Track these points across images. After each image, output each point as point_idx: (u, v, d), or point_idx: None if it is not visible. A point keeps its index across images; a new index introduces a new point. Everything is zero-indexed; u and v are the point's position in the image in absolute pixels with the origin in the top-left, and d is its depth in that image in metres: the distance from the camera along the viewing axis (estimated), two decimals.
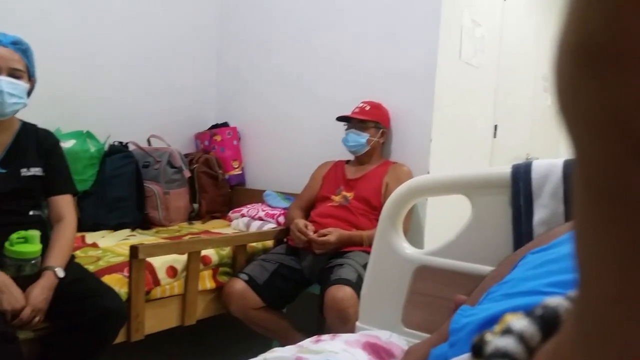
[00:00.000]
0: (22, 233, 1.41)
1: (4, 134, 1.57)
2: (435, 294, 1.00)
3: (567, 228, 0.74)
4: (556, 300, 0.26)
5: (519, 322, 0.26)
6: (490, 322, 0.53)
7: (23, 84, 1.53)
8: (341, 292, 1.74)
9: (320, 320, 1.90)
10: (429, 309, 0.99)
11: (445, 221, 2.24)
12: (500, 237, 0.97)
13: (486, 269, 0.96)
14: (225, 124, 3.06)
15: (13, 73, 1.50)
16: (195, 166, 2.79)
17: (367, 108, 2.30)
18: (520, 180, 0.98)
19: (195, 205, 2.76)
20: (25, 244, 1.41)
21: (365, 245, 1.97)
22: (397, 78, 2.42)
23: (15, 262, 1.39)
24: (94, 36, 2.60)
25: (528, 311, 0.26)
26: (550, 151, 3.84)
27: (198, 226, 2.58)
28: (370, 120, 2.26)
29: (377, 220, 1.99)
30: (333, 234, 1.99)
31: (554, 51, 0.17)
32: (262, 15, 2.95)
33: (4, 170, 1.54)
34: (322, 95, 2.67)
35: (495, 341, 0.26)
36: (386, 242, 1.10)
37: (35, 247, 1.42)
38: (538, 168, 0.98)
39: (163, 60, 2.92)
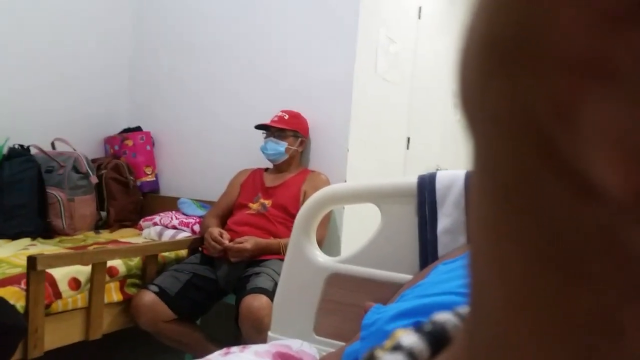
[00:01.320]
0: None
1: None
2: (347, 301, 1.02)
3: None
4: (445, 316, 0.27)
5: (409, 338, 0.26)
6: (401, 316, 0.54)
7: None
8: (257, 302, 1.72)
9: (236, 331, 1.86)
10: (340, 316, 1.01)
11: (362, 229, 2.30)
12: (407, 245, 1.00)
13: (395, 275, 0.99)
14: (138, 128, 2.93)
15: None
16: (103, 172, 2.65)
17: (286, 117, 2.31)
18: (426, 190, 1.02)
19: (103, 214, 2.62)
20: None
21: (282, 253, 1.97)
22: (317, 89, 2.45)
23: None
24: None
25: (417, 327, 0.27)
26: (459, 163, 4.06)
27: (106, 235, 2.45)
28: (288, 129, 2.27)
29: None
30: (249, 241, 1.97)
31: (460, 47, 0.16)
32: (180, 19, 2.88)
33: None
34: (241, 102, 2.65)
35: (385, 357, 0.26)
36: (299, 250, 1.11)
37: None
38: (442, 178, 1.02)
39: (70, 58, 2.75)
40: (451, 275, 0.55)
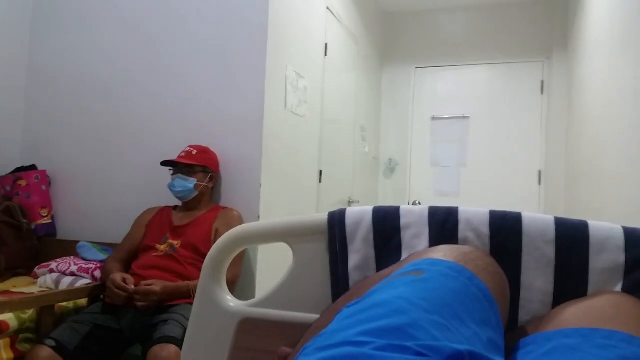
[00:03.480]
0: None
1: None
2: (260, 347, 0.98)
3: (378, 278, 0.78)
4: None
5: None
6: None
7: None
8: (165, 352, 1.61)
9: None
10: None
11: (277, 267, 2.27)
12: (320, 284, 0.99)
13: (309, 316, 0.98)
14: (32, 167, 2.72)
15: None
16: None
17: (194, 152, 2.25)
18: (336, 227, 1.02)
19: None
20: None
21: (193, 297, 1.88)
22: (227, 124, 2.43)
23: None
24: None
25: None
26: (369, 194, 4.18)
27: None
28: (197, 165, 2.22)
29: None
30: (157, 284, 1.86)
31: None
32: (79, 50, 2.75)
33: None
34: (146, 138, 2.56)
35: None
36: (208, 295, 1.06)
37: None
38: (351, 214, 1.03)
39: None
40: (351, 322, 0.54)
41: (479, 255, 0.70)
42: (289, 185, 2.67)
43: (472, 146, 4.37)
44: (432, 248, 0.79)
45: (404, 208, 0.91)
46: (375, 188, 4.50)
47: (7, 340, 1.71)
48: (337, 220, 1.02)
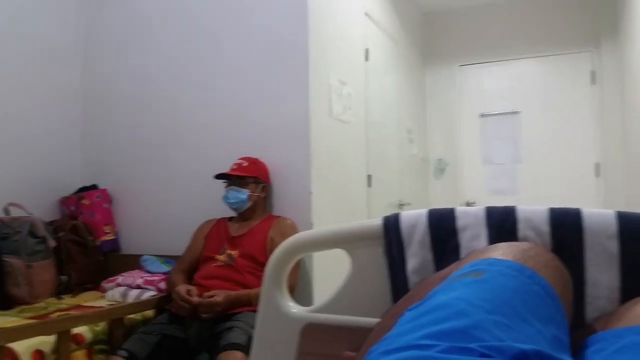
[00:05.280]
0: None
1: None
2: (324, 352, 1.01)
3: (437, 278, 0.79)
4: None
5: None
6: None
7: None
8: (231, 358, 1.67)
9: None
10: None
11: (332, 272, 2.30)
12: (379, 288, 1.01)
13: (370, 320, 0.99)
14: (93, 187, 2.87)
15: None
16: (61, 234, 2.57)
17: (245, 164, 2.31)
18: (392, 231, 1.03)
19: (64, 277, 2.52)
20: None
21: (254, 305, 1.93)
22: (274, 134, 2.49)
23: None
24: None
25: None
26: (420, 196, 4.15)
27: (68, 300, 2.35)
28: (249, 176, 2.28)
29: None
30: (220, 295, 1.93)
31: None
32: (131, 75, 2.88)
33: None
34: (198, 153, 2.65)
35: None
36: (271, 302, 1.10)
37: None
38: (405, 218, 1.04)
39: (17, 121, 2.69)
40: (413, 325, 0.55)
41: (538, 252, 0.70)
42: (339, 191, 2.70)
43: (525, 141, 4.27)
44: (491, 246, 0.78)
45: (460, 209, 0.91)
46: (425, 190, 4.46)
47: (84, 351, 1.82)
48: (392, 225, 1.03)
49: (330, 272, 2.38)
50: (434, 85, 4.61)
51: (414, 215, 1.04)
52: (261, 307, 1.10)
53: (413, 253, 1.00)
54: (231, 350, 1.70)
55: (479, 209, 0.90)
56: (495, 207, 0.89)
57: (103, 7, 3.00)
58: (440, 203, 4.28)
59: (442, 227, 0.94)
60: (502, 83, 4.39)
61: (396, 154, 3.69)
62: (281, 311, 1.07)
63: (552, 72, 4.23)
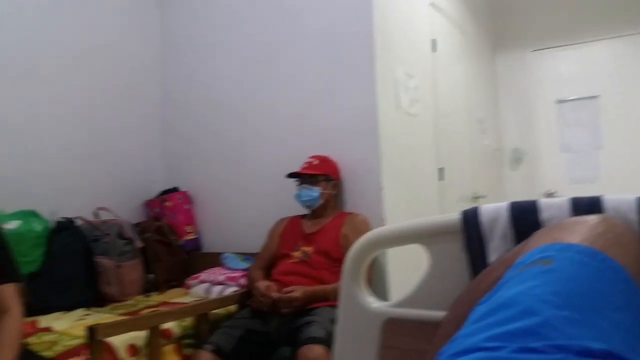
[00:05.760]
0: None
1: None
2: (406, 346, 1.01)
3: (504, 263, 0.76)
4: None
5: None
6: None
7: None
8: (312, 352, 1.72)
9: None
10: None
11: (408, 268, 2.29)
12: (459, 282, 1.00)
13: None
14: (175, 189, 3.03)
15: None
16: (147, 235, 2.73)
17: (315, 162, 2.35)
18: (471, 226, 1.02)
19: (151, 276, 2.68)
20: None
21: (330, 300, 1.97)
22: (342, 131, 2.50)
23: None
24: (32, 113, 2.56)
25: None
26: (494, 189, 4.02)
27: (155, 298, 2.50)
28: (319, 174, 2.31)
29: (340, 272, 2.02)
30: (298, 290, 1.99)
31: None
32: (204, 79, 3.01)
33: None
34: (272, 153, 2.72)
35: None
36: (351, 298, 1.12)
37: None
38: (485, 212, 1.03)
39: (104, 131, 2.89)
40: (480, 326, 0.54)
41: (608, 227, 0.66)
42: (410, 185, 2.67)
43: (606, 127, 4.02)
44: (558, 224, 0.74)
45: (544, 202, 0.89)
46: (500, 181, 4.32)
47: (173, 346, 1.93)
48: (471, 219, 1.02)
49: (405, 267, 2.37)
50: (506, 73, 4.44)
51: (493, 209, 1.02)
52: (341, 302, 1.13)
53: (495, 247, 0.99)
54: (311, 344, 1.75)
55: (563, 200, 0.87)
56: (580, 198, 0.85)
57: (177, 16, 3.15)
58: (518, 194, 4.12)
59: (526, 220, 0.92)
60: (578, 67, 4.16)
61: (468, 145, 3.60)
62: (361, 306, 1.09)
63: (632, 53, 3.96)
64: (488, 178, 3.95)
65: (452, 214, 1.04)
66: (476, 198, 3.50)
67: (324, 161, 2.39)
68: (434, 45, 3.13)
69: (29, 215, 2.34)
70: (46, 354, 1.64)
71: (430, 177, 2.95)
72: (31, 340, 1.76)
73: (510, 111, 4.40)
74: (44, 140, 2.60)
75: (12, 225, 2.22)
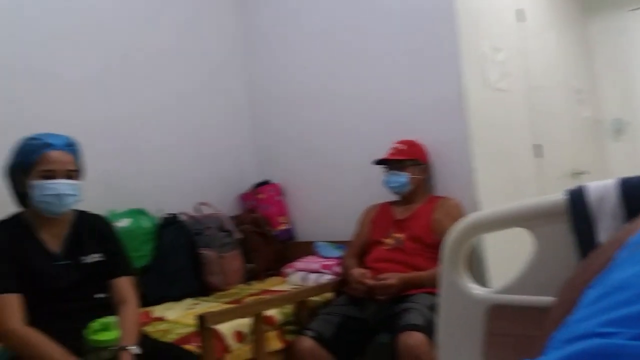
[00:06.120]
0: (101, 321, 1.46)
1: (61, 227, 1.66)
2: (514, 332, 0.99)
3: (616, 243, 0.72)
4: None
5: None
6: None
7: (77, 182, 1.64)
8: (412, 339, 1.72)
9: None
10: (511, 348, 0.98)
11: (508, 252, 2.22)
12: (567, 266, 0.96)
13: None
14: (266, 182, 3.14)
15: (69, 175, 1.60)
16: (244, 227, 2.86)
17: (402, 147, 2.33)
18: (578, 205, 0.97)
19: (250, 265, 2.80)
20: (105, 332, 1.46)
21: (427, 286, 1.96)
22: (428, 113, 2.46)
23: (95, 349, 1.45)
24: (136, 116, 2.76)
25: None
26: (596, 164, 3.75)
27: (256, 286, 2.61)
28: (407, 159, 2.28)
29: (434, 258, 2.00)
30: (393, 277, 1.99)
31: None
32: (288, 72, 3.07)
33: (67, 261, 1.62)
34: (359, 140, 2.72)
35: None
36: (452, 285, 1.10)
37: (114, 334, 1.47)
38: (593, 190, 0.97)
39: (199, 131, 3.04)
40: (594, 310, 0.51)
41: None
42: (504, 165, 2.57)
43: None
44: None
45: None
46: (602, 155, 4.01)
47: (276, 332, 2.02)
48: (578, 199, 0.97)
49: (504, 251, 2.29)
50: (601, 37, 4.10)
51: (601, 187, 0.97)
52: (442, 290, 1.12)
53: (604, 227, 0.93)
54: (411, 330, 1.75)
55: None
56: None
57: (256, 12, 3.23)
58: (622, 170, 3.81)
59: (638, 198, 0.86)
60: None
61: (565, 118, 3.38)
62: (463, 294, 1.07)
63: None
64: (589, 153, 3.69)
65: (556, 195, 0.99)
66: (577, 174, 3.29)
67: (411, 146, 2.36)
68: (520, 15, 2.96)
69: (138, 213, 2.53)
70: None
71: (526, 155, 2.81)
72: (147, 329, 1.91)
73: (609, 79, 4.06)
74: (148, 142, 2.79)
75: (123, 223, 2.41)
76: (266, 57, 3.20)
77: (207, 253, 2.61)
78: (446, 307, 1.11)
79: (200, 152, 3.03)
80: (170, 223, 2.63)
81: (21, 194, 1.62)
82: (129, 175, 2.67)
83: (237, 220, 2.90)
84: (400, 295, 1.99)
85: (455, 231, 1.12)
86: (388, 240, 2.21)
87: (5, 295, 1.48)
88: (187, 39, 3.05)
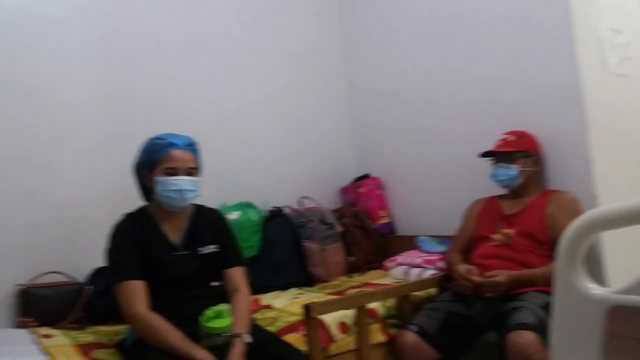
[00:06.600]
0: (214, 309, 1.57)
1: (181, 220, 1.80)
2: (637, 335, 0.92)
3: None
4: None
5: None
6: None
7: (197, 179, 1.76)
8: (523, 338, 1.65)
9: None
10: (633, 353, 0.91)
11: (626, 248, 2.05)
12: None
13: None
14: (366, 176, 3.15)
15: (190, 172, 1.73)
16: (345, 220, 2.90)
17: (511, 138, 2.22)
18: None
19: (351, 258, 2.84)
20: (218, 319, 1.56)
21: (538, 285, 1.86)
22: (539, 101, 2.32)
23: (209, 335, 1.55)
24: (245, 113, 2.91)
25: None
26: None
27: (357, 278, 2.64)
28: (516, 151, 2.17)
29: (547, 255, 1.90)
30: (502, 274, 1.91)
31: None
32: (388, 64, 3.06)
33: (186, 252, 1.75)
34: (463, 132, 2.65)
35: None
36: (568, 284, 1.04)
37: (227, 322, 1.57)
38: None
39: (301, 127, 3.14)
40: None
41: None
42: (624, 156, 2.35)
43: None
44: None
45: None
46: None
47: (379, 325, 2.03)
48: None
49: (625, 247, 2.11)
50: None
51: None
52: (558, 290, 1.06)
53: None
54: (521, 330, 1.67)
55: None
56: None
57: (357, 3, 3.24)
58: None
59: None
60: None
61: None
62: (581, 294, 1.01)
63: None
64: None
65: None
66: None
67: (521, 136, 2.23)
68: None
69: (246, 206, 2.67)
70: (270, 328, 1.86)
71: None
72: (256, 316, 2.01)
73: None
74: (254, 138, 2.94)
75: (234, 215, 2.55)
76: (366, 49, 3.21)
77: (309, 245, 2.68)
78: (562, 308, 1.06)
79: (302, 148, 3.12)
80: (276, 216, 2.74)
81: (146, 189, 1.78)
82: (238, 171, 2.83)
83: (338, 213, 2.95)
84: (510, 293, 1.91)
85: (572, 229, 1.06)
86: (496, 236, 2.13)
87: (133, 281, 1.64)
88: (289, 37, 3.15)
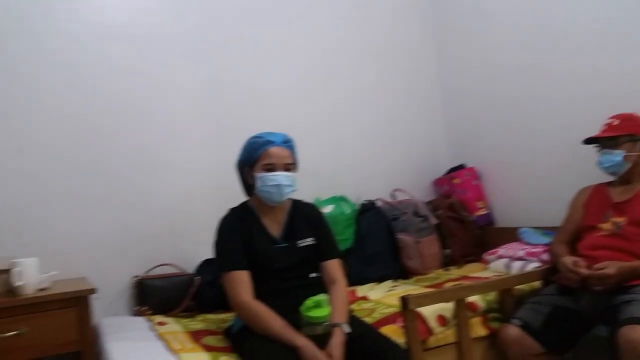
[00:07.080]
0: (314, 299, 1.61)
1: (280, 214, 1.88)
2: None
3: None
4: None
5: None
6: None
7: (294, 174, 1.83)
8: (637, 333, 1.54)
9: None
10: None
11: None
12: None
13: None
14: (461, 166, 3.08)
15: (287, 168, 1.80)
16: (439, 212, 2.86)
17: (616, 122, 2.05)
18: None
19: (447, 251, 2.79)
20: (318, 308, 1.61)
21: None
22: None
23: (310, 324, 1.61)
24: (335, 111, 2.97)
25: None
26: None
27: (455, 271, 2.60)
28: (621, 135, 2.01)
29: None
30: (611, 266, 1.80)
31: None
32: (480, 53, 2.98)
33: (285, 244, 1.82)
34: (567, 118, 2.52)
35: None
36: None
37: (326, 311, 1.61)
38: None
39: (393, 120, 3.14)
40: None
41: None
42: None
43: None
44: None
45: None
46: None
47: (480, 319, 1.99)
48: None
49: None
50: None
51: None
52: None
53: None
54: (635, 324, 1.57)
55: None
56: None
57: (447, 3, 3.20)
58: None
59: None
60: None
61: None
62: None
63: None
64: None
65: None
66: None
67: (627, 119, 2.05)
68: None
69: (339, 200, 2.72)
70: (367, 319, 1.88)
71: None
72: (353, 307, 2.04)
73: None
74: (346, 134, 3.00)
75: (327, 209, 2.61)
76: (459, 36, 3.15)
77: (404, 238, 2.68)
78: None
79: (393, 140, 3.13)
80: (368, 209, 2.77)
81: (248, 185, 1.88)
82: (331, 166, 2.89)
83: (432, 205, 2.92)
84: (621, 286, 1.79)
85: None
86: (605, 226, 1.99)
87: (239, 271, 1.74)
88: (381, 31, 3.16)
